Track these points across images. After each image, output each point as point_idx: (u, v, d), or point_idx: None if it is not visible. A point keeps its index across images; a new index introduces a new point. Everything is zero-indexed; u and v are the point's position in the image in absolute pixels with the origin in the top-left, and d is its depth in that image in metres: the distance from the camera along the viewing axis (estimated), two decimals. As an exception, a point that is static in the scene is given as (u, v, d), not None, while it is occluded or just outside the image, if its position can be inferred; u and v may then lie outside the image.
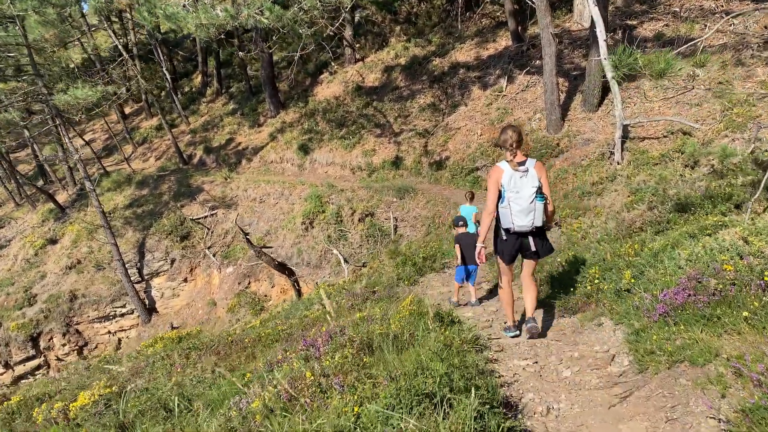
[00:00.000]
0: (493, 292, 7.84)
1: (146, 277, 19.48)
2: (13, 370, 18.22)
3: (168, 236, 19.54)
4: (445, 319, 4.39)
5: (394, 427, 2.29)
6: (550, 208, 4.67)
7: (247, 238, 14.92)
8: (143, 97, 29.09)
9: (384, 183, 16.87)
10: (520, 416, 3.18)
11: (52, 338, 18.32)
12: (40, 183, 25.83)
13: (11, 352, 18.12)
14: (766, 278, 3.68)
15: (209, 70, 28.91)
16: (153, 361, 5.81)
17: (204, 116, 26.75)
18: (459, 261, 7.17)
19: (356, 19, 24.16)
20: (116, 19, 30.45)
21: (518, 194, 4.50)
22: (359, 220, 15.94)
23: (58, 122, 17.85)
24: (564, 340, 4.63)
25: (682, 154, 10.40)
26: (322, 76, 23.80)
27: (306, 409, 2.44)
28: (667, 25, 14.69)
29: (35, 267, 19.97)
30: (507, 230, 4.65)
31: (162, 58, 25.36)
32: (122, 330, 19.18)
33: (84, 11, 25.33)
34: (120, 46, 24.62)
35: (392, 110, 19.38)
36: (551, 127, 13.81)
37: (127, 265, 18.70)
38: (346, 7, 19.62)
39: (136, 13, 17.22)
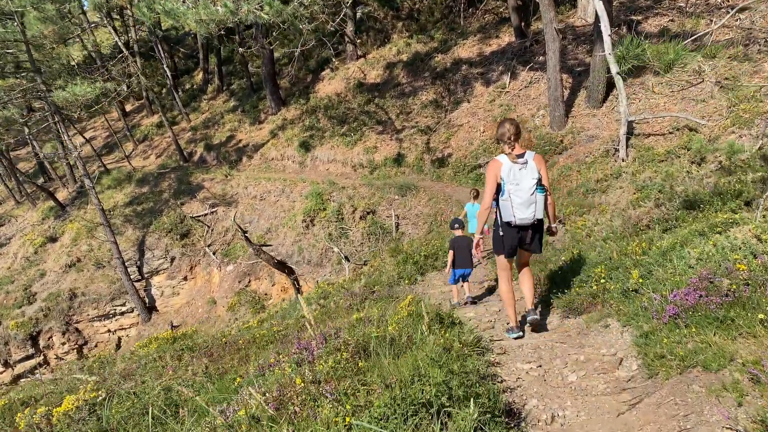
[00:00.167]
0: (492, 291, 7.68)
1: (146, 276, 19.36)
2: (13, 369, 18.13)
3: (168, 234, 19.42)
4: (445, 320, 4.22)
5: (388, 439, 2.14)
6: (549, 199, 4.68)
7: (245, 236, 14.78)
8: (144, 94, 28.97)
9: (386, 180, 16.70)
10: (523, 425, 3.01)
11: (51, 337, 18.22)
12: (41, 181, 25.73)
13: (11, 350, 18.03)
14: (781, 278, 3.51)
15: (210, 67, 28.77)
16: (145, 363, 5.68)
17: (205, 113, 26.61)
18: (449, 268, 7.15)
19: (358, 15, 23.97)
20: (117, 17, 30.32)
21: (518, 186, 4.48)
22: (360, 217, 15.78)
23: (57, 119, 17.72)
24: (569, 342, 4.46)
25: (688, 150, 10.21)
26: (323, 73, 23.63)
27: (292, 421, 2.28)
28: (672, 20, 14.48)
29: (35, 265, 19.87)
30: (508, 223, 4.62)
31: (163, 55, 25.22)
32: (122, 329, 19.07)
33: (84, 8, 25.17)
34: (120, 44, 24.49)
35: (394, 107, 19.21)
36: (555, 124, 13.62)
37: (126, 264, 18.59)
38: (347, 3, 19.49)
39: (135, 9, 17.10)
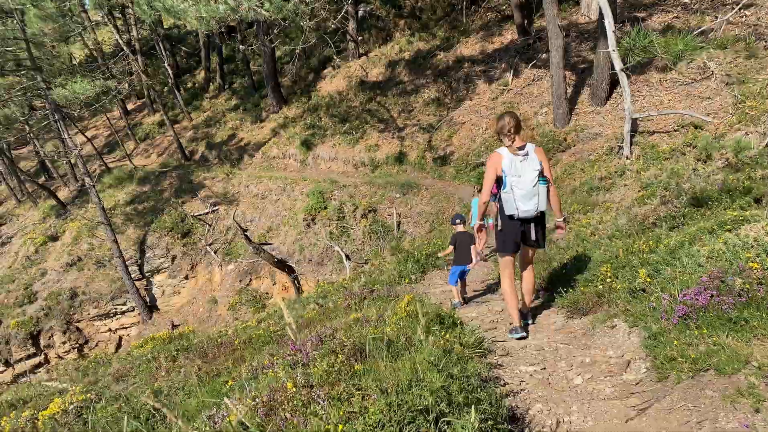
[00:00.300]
0: (490, 290, 7.54)
1: (147, 275, 19.26)
2: (14, 368, 18.04)
3: (169, 233, 19.31)
4: (445, 321, 4.08)
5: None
6: (552, 190, 4.62)
7: (245, 235, 14.66)
8: (146, 93, 28.87)
9: (387, 179, 16.57)
10: (527, 431, 2.87)
11: (52, 336, 18.13)
12: (42, 180, 25.65)
13: (11, 349, 17.94)
14: (796, 277, 3.36)
15: (212, 66, 28.66)
16: (139, 364, 5.56)
17: (206, 112, 26.50)
18: (445, 253, 7.19)
19: (360, 13, 23.82)
20: (119, 15, 30.23)
21: (520, 178, 4.44)
22: (362, 216, 15.65)
23: (57, 117, 17.62)
24: (574, 344, 4.31)
25: (693, 147, 10.05)
26: (325, 71, 23.50)
27: (282, 428, 2.15)
28: (677, 17, 14.32)
29: (36, 264, 19.78)
30: (511, 216, 4.57)
31: (164, 54, 25.11)
32: (123, 328, 18.96)
33: (85, 6, 25.09)
34: (121, 42, 24.37)
35: (396, 105, 19.07)
36: (558, 121, 13.48)
37: (127, 262, 18.47)
38: (349, 1, 19.35)
39: (135, 6, 16.97)
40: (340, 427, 2.07)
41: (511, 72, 16.60)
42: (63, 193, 23.24)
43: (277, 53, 24.75)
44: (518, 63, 16.76)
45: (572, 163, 12.41)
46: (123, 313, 18.93)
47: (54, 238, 20.60)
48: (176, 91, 25.83)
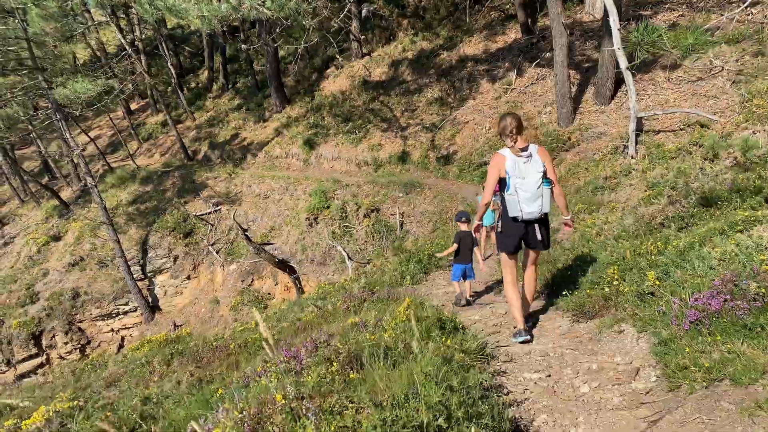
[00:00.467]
0: (493, 291, 7.40)
1: (149, 275, 19.18)
2: (16, 369, 17.99)
3: (171, 233, 19.23)
4: (446, 325, 3.93)
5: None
6: (557, 190, 4.56)
7: (246, 235, 14.55)
8: (149, 93, 28.82)
9: (390, 178, 16.44)
10: (531, 444, 2.73)
11: (54, 336, 18.07)
12: (45, 180, 25.62)
13: (13, 350, 17.89)
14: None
15: (215, 66, 28.60)
16: (132, 368, 5.43)
17: (209, 112, 26.44)
18: (446, 253, 7.09)
19: (363, 13, 23.70)
20: (123, 15, 30.19)
21: (524, 180, 4.37)
22: (365, 215, 15.52)
23: (59, 117, 17.55)
24: (580, 349, 4.16)
25: (700, 147, 9.86)
26: (328, 71, 23.40)
27: (267, 445, 2.02)
28: (682, 15, 14.11)
29: (38, 264, 19.73)
30: (514, 218, 4.50)
31: (168, 54, 25.04)
32: (125, 328, 18.89)
33: (87, 5, 25.04)
34: (124, 42, 24.30)
35: (399, 104, 18.94)
36: (562, 121, 13.30)
37: (130, 263, 18.39)
38: (352, 0, 19.22)
39: (137, 5, 16.90)
40: (331, 443, 1.94)
41: (514, 71, 16.44)
42: (66, 193, 23.20)
43: (281, 53, 24.66)
44: (522, 62, 16.58)
45: (576, 163, 12.24)
46: (125, 313, 18.86)
47: (56, 238, 20.55)
48: (179, 91, 25.77)
